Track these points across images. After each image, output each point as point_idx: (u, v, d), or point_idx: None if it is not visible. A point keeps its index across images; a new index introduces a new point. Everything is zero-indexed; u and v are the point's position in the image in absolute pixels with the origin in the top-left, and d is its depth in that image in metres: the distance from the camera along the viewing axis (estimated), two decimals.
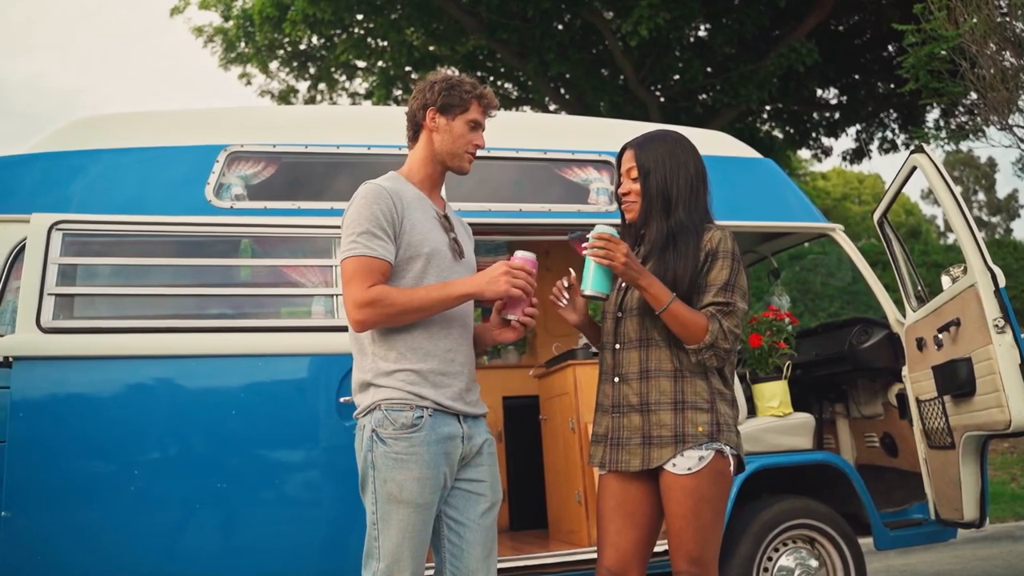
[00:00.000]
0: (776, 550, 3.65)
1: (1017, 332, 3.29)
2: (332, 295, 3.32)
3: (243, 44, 15.29)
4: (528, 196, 3.90)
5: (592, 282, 2.31)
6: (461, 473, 2.35)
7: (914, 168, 3.75)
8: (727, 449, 2.34)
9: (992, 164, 35.65)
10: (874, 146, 15.76)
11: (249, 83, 16.53)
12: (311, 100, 16.56)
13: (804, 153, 19.39)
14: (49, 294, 3.04)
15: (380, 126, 3.95)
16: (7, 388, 2.89)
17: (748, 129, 14.45)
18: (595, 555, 2.47)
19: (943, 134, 10.78)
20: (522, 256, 2.31)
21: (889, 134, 15.60)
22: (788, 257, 12.34)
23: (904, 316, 4.00)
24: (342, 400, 3.14)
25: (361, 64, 15.85)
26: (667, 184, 2.43)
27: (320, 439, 3.16)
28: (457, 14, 12.92)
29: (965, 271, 3.48)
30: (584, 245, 2.31)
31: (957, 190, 3.57)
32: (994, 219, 36.33)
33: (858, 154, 15.87)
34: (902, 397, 4.03)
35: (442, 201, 2.53)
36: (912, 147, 3.70)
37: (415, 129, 2.48)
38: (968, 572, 5.41)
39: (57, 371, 2.97)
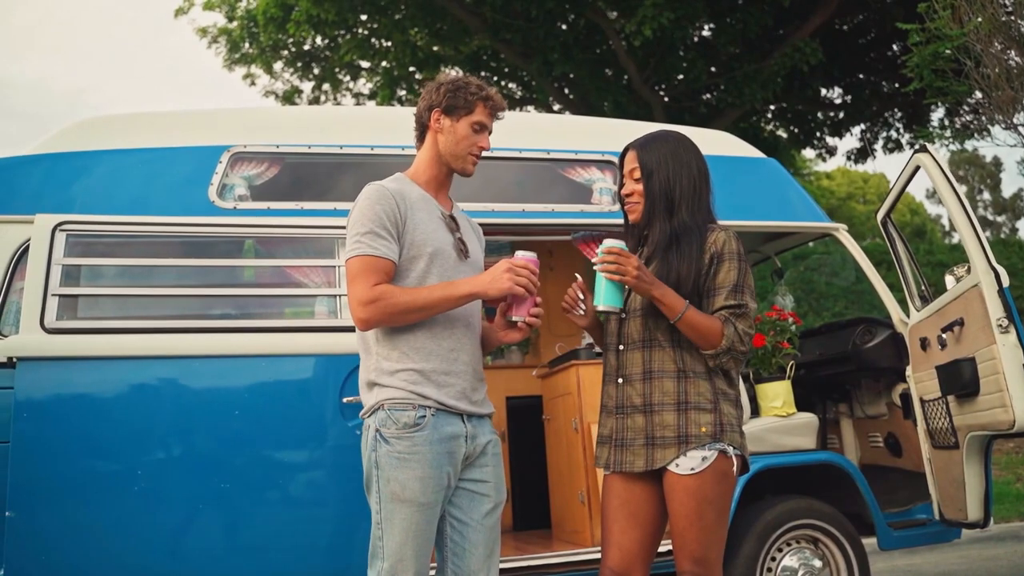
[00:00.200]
0: (780, 550, 3.65)
1: (1021, 332, 3.28)
2: (335, 295, 3.33)
3: (247, 45, 15.30)
4: (531, 196, 3.90)
5: (604, 297, 2.31)
6: (465, 473, 2.35)
7: (917, 168, 3.74)
8: (730, 449, 2.34)
9: (997, 163, 35.57)
10: (879, 145, 15.73)
11: (253, 84, 16.56)
12: (315, 100, 16.57)
13: (808, 153, 19.36)
14: (53, 295, 3.05)
15: (383, 126, 3.96)
16: (11, 389, 2.89)
17: (752, 129, 14.42)
18: (598, 555, 2.47)
19: (948, 133, 10.75)
20: (524, 255, 2.31)
21: (894, 133, 15.57)
22: (792, 257, 12.33)
23: (908, 316, 3.99)
24: (345, 400, 3.15)
25: (365, 64, 15.86)
26: (670, 185, 2.43)
27: (324, 439, 3.16)
28: (461, 14, 12.93)
29: (969, 271, 3.48)
30: (594, 261, 2.31)
31: (961, 189, 3.56)
32: (999, 218, 36.23)
33: (862, 154, 15.84)
34: (906, 397, 4.03)
35: (449, 202, 2.54)
36: (916, 146, 3.69)
37: (422, 130, 2.50)
38: (973, 572, 5.40)
39: (61, 371, 2.98)
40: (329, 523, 3.13)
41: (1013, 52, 7.68)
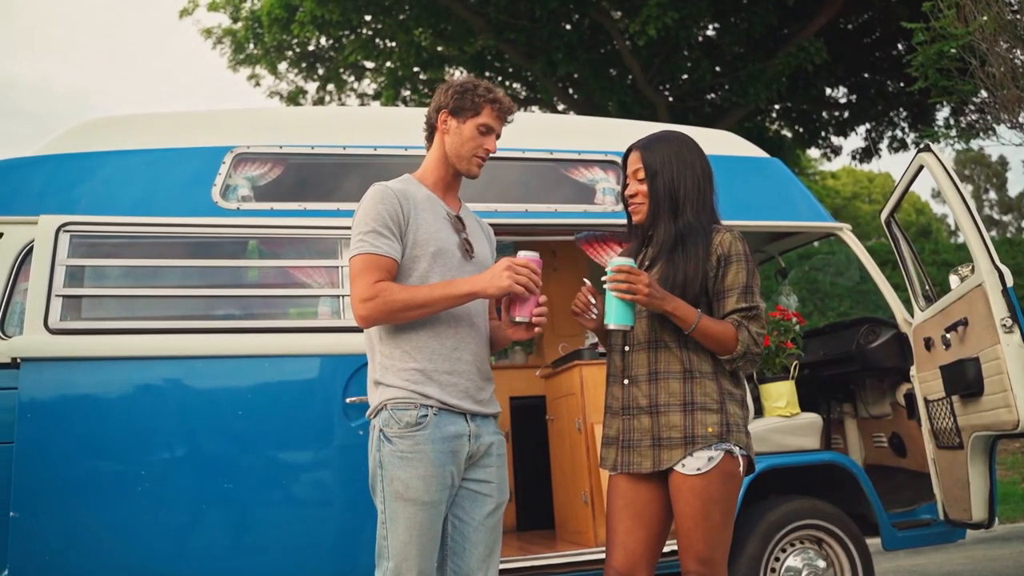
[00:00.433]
0: (783, 550, 3.64)
1: None
2: (338, 296, 3.33)
3: (252, 45, 15.33)
4: (534, 196, 3.91)
5: (616, 316, 2.29)
6: (468, 473, 2.35)
7: (921, 167, 3.73)
8: (737, 450, 2.33)
9: (1003, 162, 35.46)
10: (884, 145, 15.70)
11: (258, 84, 16.59)
12: (320, 101, 16.60)
13: (813, 152, 19.34)
14: (57, 295, 3.05)
15: (386, 127, 3.97)
16: (15, 389, 2.90)
17: (757, 128, 14.41)
18: (602, 555, 2.47)
19: (953, 132, 10.73)
20: (526, 255, 2.31)
21: (899, 133, 15.54)
22: (797, 256, 12.31)
23: (912, 316, 3.98)
24: (349, 401, 3.15)
25: (369, 65, 15.89)
26: (674, 185, 2.43)
27: (327, 439, 3.16)
28: (465, 14, 12.94)
29: (973, 270, 3.47)
30: (603, 279, 2.30)
31: (964, 189, 3.55)
32: (1005, 218, 36.14)
33: (867, 153, 15.81)
34: (910, 397, 4.02)
35: (458, 203, 2.54)
36: (919, 146, 3.69)
37: (430, 131, 2.52)
38: (978, 573, 5.39)
39: (65, 372, 2.99)
40: (333, 523, 3.14)
41: (1019, 51, 7.66)
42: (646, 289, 2.25)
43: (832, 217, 4.38)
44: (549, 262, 5.28)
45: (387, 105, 14.92)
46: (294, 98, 16.55)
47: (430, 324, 2.33)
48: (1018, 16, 7.65)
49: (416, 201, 2.39)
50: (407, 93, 15.65)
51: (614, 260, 2.29)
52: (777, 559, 3.62)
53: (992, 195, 36.23)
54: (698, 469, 2.29)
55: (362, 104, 16.69)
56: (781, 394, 3.88)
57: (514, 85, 15.83)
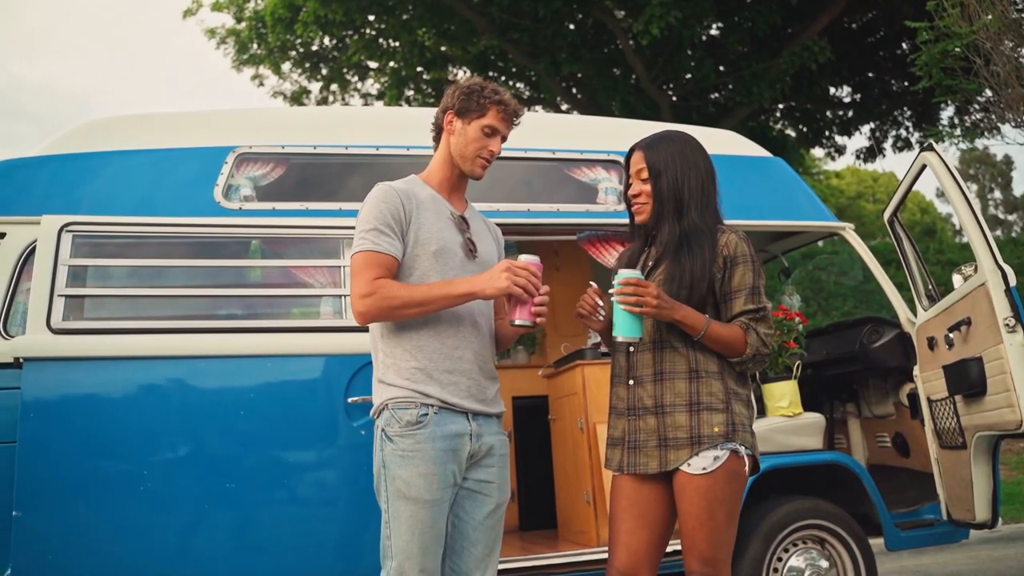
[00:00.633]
0: (786, 551, 3.64)
1: None
2: (340, 296, 3.33)
3: (255, 45, 15.36)
4: (537, 196, 3.91)
5: (625, 328, 2.29)
6: (469, 473, 2.35)
7: (924, 166, 3.72)
8: (742, 449, 2.33)
9: (1008, 162, 35.36)
10: (888, 144, 15.67)
11: (261, 84, 16.61)
12: (323, 101, 16.61)
13: (817, 152, 19.30)
14: (59, 295, 3.05)
15: (388, 127, 3.97)
16: (18, 389, 2.90)
17: (761, 128, 14.39)
18: (604, 555, 2.47)
19: (958, 132, 10.70)
20: (526, 258, 2.31)
21: (903, 132, 15.51)
22: (800, 256, 12.29)
23: (915, 315, 3.97)
24: (351, 400, 3.15)
25: (373, 65, 15.90)
26: (679, 185, 2.43)
27: (329, 439, 3.16)
28: (468, 14, 12.94)
29: (976, 270, 3.46)
30: (611, 292, 2.30)
31: (967, 188, 3.54)
32: (1010, 217, 36.03)
33: (871, 152, 15.78)
34: (913, 397, 4.01)
35: (464, 203, 2.55)
36: (923, 145, 3.68)
37: (437, 132, 2.54)
38: (982, 573, 5.37)
39: (67, 372, 2.98)
40: (335, 523, 3.13)
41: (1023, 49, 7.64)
42: (655, 301, 2.25)
43: (835, 216, 4.37)
44: (551, 261, 5.30)
45: (390, 105, 14.93)
46: (298, 98, 16.56)
47: (431, 323, 2.33)
48: (1023, 15, 7.63)
49: (419, 200, 2.41)
50: (410, 93, 15.66)
51: (621, 273, 2.29)
52: (780, 559, 3.61)
53: (997, 194, 36.16)
54: (704, 468, 2.29)
55: (366, 104, 16.70)
56: (784, 394, 3.87)
57: (517, 85, 15.83)
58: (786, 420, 3.80)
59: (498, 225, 2.72)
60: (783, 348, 3.93)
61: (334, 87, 16.45)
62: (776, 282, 4.96)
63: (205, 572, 3.00)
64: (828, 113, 15.73)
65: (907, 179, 3.90)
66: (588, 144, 4.01)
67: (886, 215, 4.12)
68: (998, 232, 32.64)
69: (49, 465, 2.89)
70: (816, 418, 3.87)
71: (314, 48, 15.39)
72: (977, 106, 10.08)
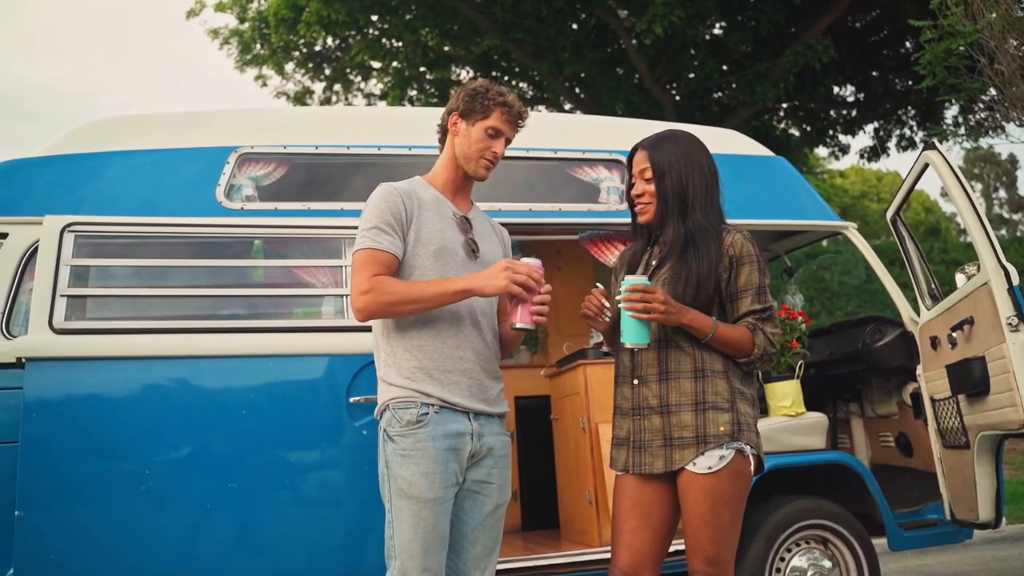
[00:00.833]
0: (789, 550, 3.63)
1: None
2: (342, 295, 3.33)
3: (259, 46, 15.36)
4: (538, 196, 3.90)
5: (633, 334, 2.28)
6: (469, 473, 2.35)
7: (926, 165, 3.72)
8: (748, 449, 2.33)
9: (1013, 161, 35.25)
10: (892, 143, 15.62)
11: (265, 85, 16.63)
12: (326, 101, 16.61)
13: (821, 151, 19.26)
14: (61, 295, 3.06)
15: (390, 126, 3.97)
16: (20, 389, 2.91)
17: (764, 127, 14.35)
18: (606, 555, 2.46)
19: (962, 131, 10.67)
20: (527, 261, 2.31)
21: (907, 131, 15.45)
22: (804, 256, 12.28)
23: (918, 314, 3.96)
24: (352, 400, 3.15)
25: (376, 65, 15.89)
26: (683, 184, 2.42)
27: (331, 439, 3.16)
28: (471, 14, 12.93)
29: (979, 269, 3.45)
30: (618, 299, 2.30)
31: (969, 187, 3.53)
32: (1015, 216, 35.92)
33: (875, 152, 15.74)
34: (917, 396, 4.00)
35: (468, 204, 2.56)
36: (924, 144, 3.67)
37: (442, 134, 2.55)
38: (986, 573, 5.36)
39: (69, 372, 2.99)
40: (337, 523, 3.14)
41: None
42: (662, 307, 2.25)
43: (839, 216, 4.37)
44: (554, 261, 5.30)
45: (394, 105, 14.94)
46: (301, 98, 16.57)
47: (431, 322, 2.34)
48: None
49: (421, 200, 2.42)
50: (413, 93, 15.66)
51: (628, 279, 2.29)
52: (782, 559, 3.61)
53: (1002, 193, 36.04)
54: (709, 468, 2.28)
55: (369, 104, 16.71)
56: (786, 393, 3.86)
57: (521, 85, 15.82)
58: (789, 420, 3.80)
59: (500, 225, 2.71)
60: (786, 348, 3.93)
61: (337, 87, 16.45)
62: (780, 282, 4.95)
63: (207, 572, 3.00)
64: (832, 112, 15.69)
65: (909, 178, 3.89)
66: (590, 143, 4.01)
67: (889, 214, 4.11)
68: (1003, 231, 32.57)
69: (51, 465, 2.90)
70: (819, 418, 3.86)
71: (317, 48, 15.40)
72: (981, 105, 10.05)
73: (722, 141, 4.16)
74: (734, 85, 12.96)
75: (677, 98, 13.84)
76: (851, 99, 15.69)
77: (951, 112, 13.87)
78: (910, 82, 13.26)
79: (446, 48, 14.75)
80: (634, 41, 12.22)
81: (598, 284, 2.50)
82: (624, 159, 3.30)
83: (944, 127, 12.03)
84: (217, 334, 3.17)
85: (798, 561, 3.62)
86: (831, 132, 15.87)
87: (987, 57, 7.45)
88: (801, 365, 3.93)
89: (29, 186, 3.36)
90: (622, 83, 13.63)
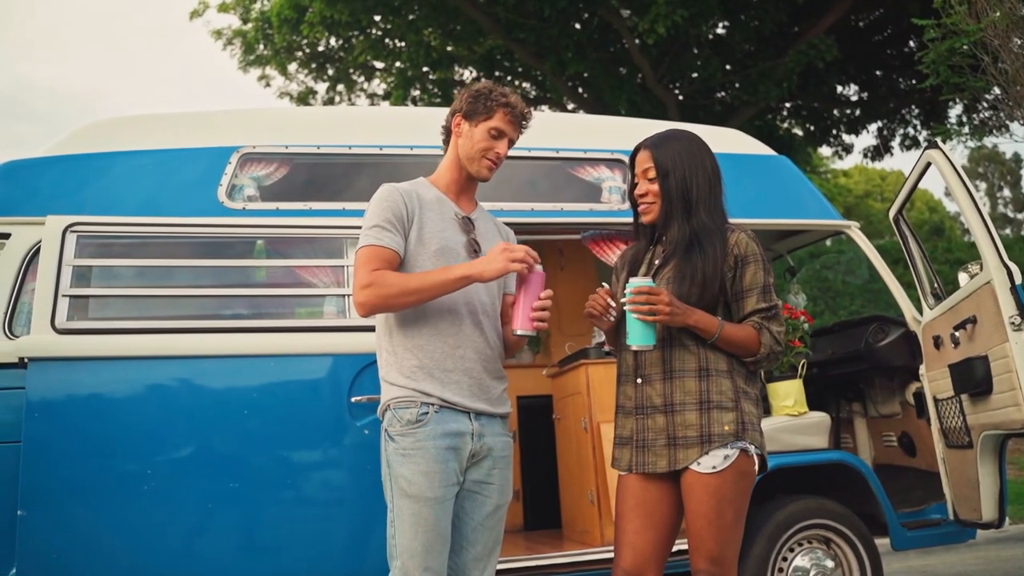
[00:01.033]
0: (791, 550, 3.62)
1: None
2: (344, 295, 3.33)
3: (262, 46, 15.38)
4: (540, 195, 3.90)
5: (639, 337, 2.28)
6: (470, 473, 2.36)
7: (928, 164, 3.71)
8: (752, 448, 2.32)
9: (1017, 160, 35.14)
10: (896, 143, 15.60)
11: (268, 85, 16.65)
12: (330, 101, 16.62)
13: (825, 150, 19.24)
14: (63, 295, 3.07)
15: (392, 126, 3.97)
16: (22, 389, 2.91)
17: (767, 127, 14.33)
18: (608, 555, 2.46)
19: (966, 130, 10.65)
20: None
21: (911, 130, 15.44)
22: (807, 255, 12.26)
23: (921, 314, 3.95)
24: (354, 400, 3.15)
25: (379, 65, 15.91)
26: (687, 184, 2.42)
27: (333, 439, 3.16)
28: (474, 14, 12.93)
29: (982, 268, 3.44)
30: (623, 301, 2.30)
31: (971, 185, 3.52)
32: (1020, 215, 35.83)
33: (879, 151, 15.72)
34: (920, 396, 3.99)
35: (472, 205, 2.56)
36: (926, 143, 3.67)
37: (446, 135, 2.56)
38: (990, 573, 5.35)
39: (71, 372, 3.00)
40: (339, 523, 3.14)
41: None
42: (667, 308, 2.25)
43: (841, 215, 4.36)
44: (556, 261, 5.30)
45: (397, 105, 14.94)
46: (304, 99, 16.59)
47: (432, 322, 2.34)
48: None
49: (423, 201, 2.43)
50: (416, 93, 15.66)
51: (632, 281, 2.28)
52: (785, 559, 3.60)
53: (1007, 192, 35.95)
54: (714, 467, 2.27)
55: (372, 104, 16.73)
56: (788, 393, 3.86)
57: (524, 84, 15.83)
58: (791, 419, 3.79)
59: (505, 224, 2.71)
60: (788, 347, 3.92)
61: (340, 88, 16.47)
62: (782, 281, 4.95)
63: (208, 571, 3.01)
64: (835, 112, 15.67)
65: (912, 177, 3.89)
66: (591, 143, 4.00)
67: (891, 213, 4.10)
68: (1007, 231, 32.49)
69: (53, 465, 2.90)
70: (821, 417, 3.85)
71: (320, 48, 15.42)
72: (985, 104, 10.04)
73: (725, 140, 4.16)
74: (737, 84, 12.95)
75: (680, 98, 13.83)
76: (854, 98, 15.68)
77: (955, 111, 13.87)
78: (914, 81, 13.25)
79: (449, 48, 14.75)
80: (637, 41, 12.22)
81: (604, 284, 2.50)
82: (626, 158, 3.31)
83: (948, 126, 12.01)
84: (219, 334, 3.17)
85: (801, 561, 3.61)
86: (835, 131, 15.85)
87: (991, 56, 7.43)
88: (804, 364, 3.93)
89: (32, 186, 3.37)
90: (625, 83, 13.62)
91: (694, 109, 13.59)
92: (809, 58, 11.82)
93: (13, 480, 2.85)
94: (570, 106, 15.18)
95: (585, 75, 14.08)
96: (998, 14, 7.29)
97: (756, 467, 2.35)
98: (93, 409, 3.00)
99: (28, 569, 2.82)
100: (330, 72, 16.10)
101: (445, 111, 2.58)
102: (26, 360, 2.95)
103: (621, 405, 2.48)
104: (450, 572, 2.34)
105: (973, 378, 3.39)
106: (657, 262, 2.47)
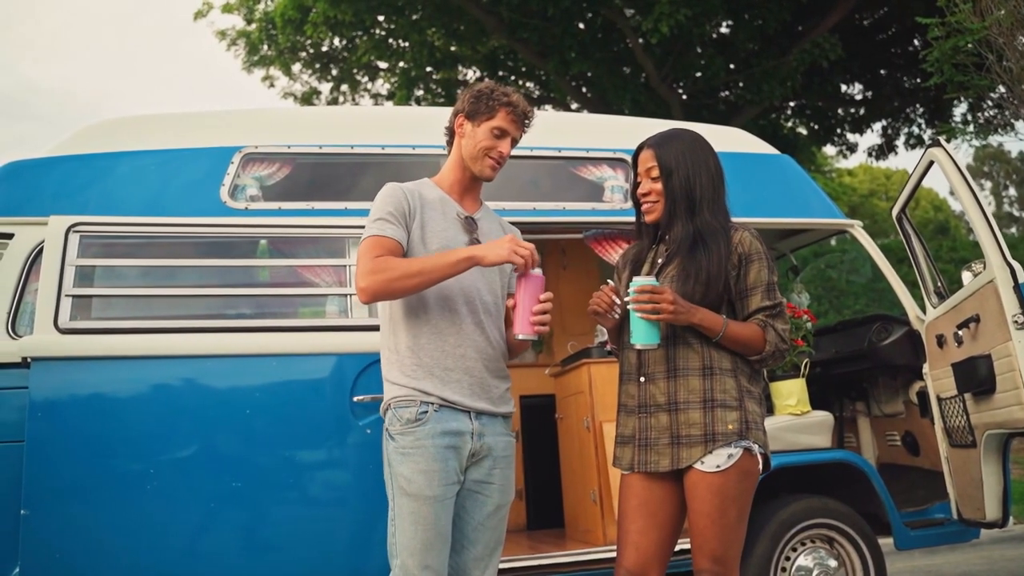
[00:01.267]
0: (794, 550, 3.62)
1: None
2: (346, 295, 3.34)
3: (266, 47, 15.40)
4: (543, 195, 3.90)
5: (643, 336, 2.28)
6: (470, 472, 2.36)
7: (931, 163, 3.70)
8: (756, 447, 2.32)
9: (1023, 158, 35.04)
10: (900, 142, 15.55)
11: (272, 85, 16.66)
12: (333, 101, 16.63)
13: (829, 149, 19.20)
14: (66, 295, 3.07)
15: (394, 126, 3.97)
16: (25, 388, 2.92)
17: (772, 126, 14.32)
18: (611, 554, 2.45)
19: (971, 128, 10.62)
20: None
21: (915, 129, 15.38)
22: (811, 254, 12.23)
23: (924, 313, 3.94)
24: (356, 399, 3.16)
25: (383, 65, 15.92)
26: (690, 183, 2.42)
27: (335, 438, 3.17)
28: (477, 14, 12.93)
29: (986, 266, 3.43)
30: (627, 300, 2.30)
31: (974, 184, 3.52)
32: None
33: (883, 150, 15.67)
34: (923, 395, 3.98)
35: (476, 205, 2.56)
36: (929, 142, 3.66)
37: (450, 136, 2.57)
38: (994, 573, 5.33)
39: (74, 371, 3.00)
40: (341, 523, 3.14)
41: None
42: (671, 307, 2.25)
43: (844, 214, 4.35)
44: (558, 260, 5.30)
45: (400, 105, 14.95)
46: (308, 99, 16.60)
47: (432, 321, 2.35)
48: None
49: (426, 200, 2.44)
50: (420, 93, 15.66)
51: (636, 280, 2.28)
52: (788, 558, 3.60)
53: (1012, 191, 35.83)
54: (717, 466, 2.27)
55: (376, 104, 16.74)
56: (791, 392, 3.85)
57: (527, 84, 15.82)
58: (794, 418, 3.78)
59: (511, 224, 2.71)
60: (791, 346, 3.91)
61: (344, 88, 16.48)
62: (786, 280, 4.94)
63: (211, 571, 3.01)
64: (839, 111, 15.63)
65: (915, 175, 3.88)
66: (594, 142, 4.00)
67: (894, 212, 4.09)
68: (1012, 229, 32.40)
69: (57, 464, 2.91)
70: (825, 416, 3.85)
71: (324, 49, 15.43)
72: (990, 102, 10.01)
73: (728, 140, 4.16)
74: (741, 84, 12.93)
75: (684, 97, 13.82)
76: (859, 97, 15.65)
77: (960, 110, 13.82)
78: (918, 80, 13.21)
79: (452, 48, 14.76)
80: (640, 40, 12.20)
81: (608, 281, 2.49)
82: (628, 158, 3.30)
83: (953, 125, 11.97)
84: (222, 334, 3.18)
85: (804, 560, 3.61)
86: (839, 130, 15.81)
87: (995, 54, 7.41)
88: (807, 364, 3.92)
89: (35, 187, 3.38)
90: (629, 82, 13.60)
91: (698, 108, 13.57)
92: (813, 57, 11.80)
93: (16, 480, 2.86)
94: (574, 106, 15.18)
95: (589, 75, 14.07)
96: (1002, 12, 7.27)
97: (760, 466, 2.34)
98: (96, 409, 3.01)
99: (31, 568, 2.83)
100: (334, 72, 16.12)
101: (448, 111, 2.59)
102: (29, 360, 2.96)
103: (623, 404, 2.47)
104: (451, 572, 2.34)
105: (976, 377, 3.38)
106: (660, 261, 2.47)
